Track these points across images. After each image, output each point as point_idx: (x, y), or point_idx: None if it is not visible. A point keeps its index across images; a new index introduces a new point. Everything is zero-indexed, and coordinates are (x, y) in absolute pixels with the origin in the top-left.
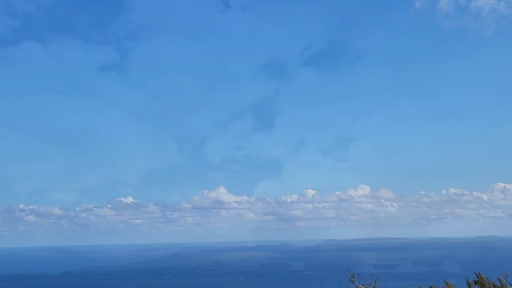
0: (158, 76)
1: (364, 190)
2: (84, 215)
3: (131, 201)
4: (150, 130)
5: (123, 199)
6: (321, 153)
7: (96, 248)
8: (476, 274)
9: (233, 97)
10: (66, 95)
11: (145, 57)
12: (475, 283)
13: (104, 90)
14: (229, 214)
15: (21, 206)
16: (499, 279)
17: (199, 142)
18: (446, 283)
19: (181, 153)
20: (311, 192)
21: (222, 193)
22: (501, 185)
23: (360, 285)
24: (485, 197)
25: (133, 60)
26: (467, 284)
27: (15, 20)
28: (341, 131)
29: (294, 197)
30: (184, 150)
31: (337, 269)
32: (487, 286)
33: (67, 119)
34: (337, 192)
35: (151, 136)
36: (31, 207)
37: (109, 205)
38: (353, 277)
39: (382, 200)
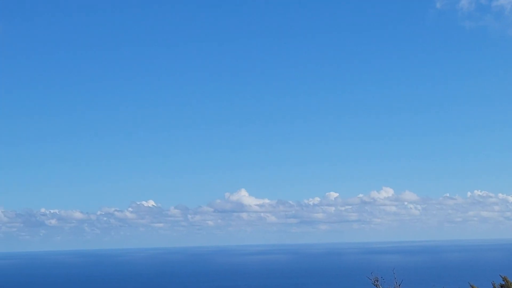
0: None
1: (387, 192)
2: (105, 219)
3: (152, 205)
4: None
5: (144, 202)
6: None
7: (117, 252)
8: (502, 277)
9: None
10: (83, 88)
11: None
12: (502, 286)
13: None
14: (250, 217)
15: (42, 210)
16: None
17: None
18: (472, 287)
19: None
20: (333, 194)
21: (244, 196)
22: None
23: None
24: (511, 199)
25: None
26: None
27: None
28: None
29: (317, 199)
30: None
31: (361, 273)
32: None
33: (88, 115)
34: (360, 195)
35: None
36: (52, 211)
37: (130, 209)
38: (377, 280)
39: (405, 203)
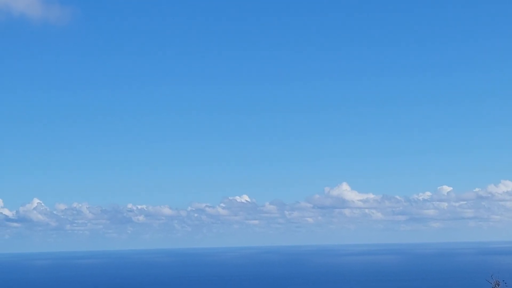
0: None
1: (507, 186)
2: (196, 215)
3: (246, 200)
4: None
5: (237, 197)
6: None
7: (209, 251)
8: None
9: None
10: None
11: None
12: None
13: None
14: (354, 214)
15: (129, 206)
16: None
17: None
18: None
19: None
20: (446, 189)
21: (345, 190)
22: None
23: None
24: None
25: None
26: None
27: None
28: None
29: (427, 194)
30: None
31: (479, 276)
32: None
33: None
34: (476, 189)
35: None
36: (139, 206)
37: (222, 205)
38: (498, 284)
39: None
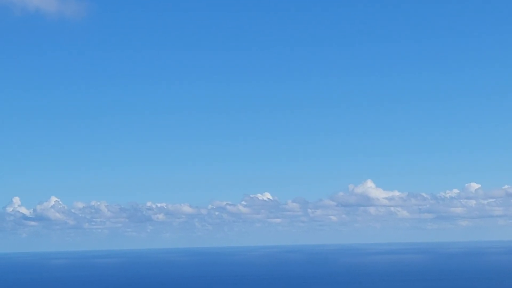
0: None
1: None
2: (216, 213)
3: (268, 198)
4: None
5: (259, 195)
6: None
7: (231, 250)
8: None
9: None
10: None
11: None
12: None
13: None
14: (379, 212)
15: (148, 204)
16: None
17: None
18: None
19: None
20: (474, 186)
21: (370, 187)
22: None
23: None
24: None
25: None
26: None
27: None
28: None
29: (455, 192)
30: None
31: (508, 276)
32: None
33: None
34: (505, 186)
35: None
36: (159, 204)
37: (243, 202)
38: None
39: None
